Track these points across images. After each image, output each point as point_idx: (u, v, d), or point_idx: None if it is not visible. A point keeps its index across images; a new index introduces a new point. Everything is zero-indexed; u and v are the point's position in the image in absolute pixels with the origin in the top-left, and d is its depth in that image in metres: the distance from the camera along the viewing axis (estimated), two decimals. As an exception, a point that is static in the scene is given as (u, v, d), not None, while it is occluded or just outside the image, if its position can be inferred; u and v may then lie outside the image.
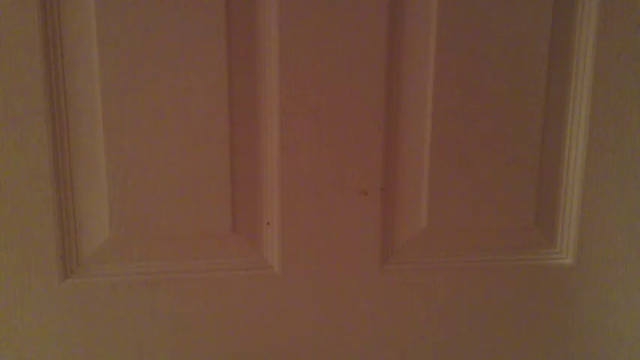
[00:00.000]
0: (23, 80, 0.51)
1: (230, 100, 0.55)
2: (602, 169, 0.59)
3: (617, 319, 0.63)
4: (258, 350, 0.61)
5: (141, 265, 0.58)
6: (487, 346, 0.64)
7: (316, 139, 0.56)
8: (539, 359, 0.64)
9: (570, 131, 0.59)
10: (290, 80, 0.54)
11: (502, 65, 0.56)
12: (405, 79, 0.56)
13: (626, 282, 0.62)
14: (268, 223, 0.58)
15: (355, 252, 0.59)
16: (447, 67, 0.56)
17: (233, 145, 0.56)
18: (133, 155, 0.55)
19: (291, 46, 0.54)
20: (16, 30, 0.50)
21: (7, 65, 0.51)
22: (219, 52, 0.53)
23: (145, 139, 0.54)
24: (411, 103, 0.57)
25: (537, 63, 0.57)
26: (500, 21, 0.55)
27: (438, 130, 0.57)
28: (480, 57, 0.56)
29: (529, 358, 0.64)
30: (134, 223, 0.56)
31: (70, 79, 0.53)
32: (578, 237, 0.61)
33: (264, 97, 0.55)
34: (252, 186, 0.58)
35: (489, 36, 0.56)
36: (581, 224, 0.60)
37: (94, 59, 0.52)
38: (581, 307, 0.63)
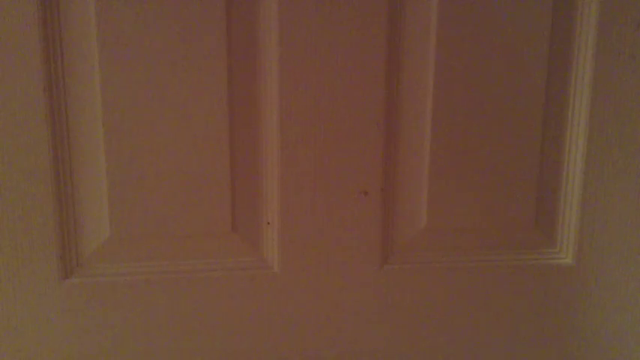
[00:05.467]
0: (23, 80, 0.51)
1: (230, 100, 0.55)
2: (602, 169, 0.59)
3: (617, 319, 0.63)
4: (257, 350, 0.61)
5: (141, 265, 0.58)
6: (487, 345, 0.64)
7: (316, 139, 0.56)
8: (539, 359, 0.64)
9: (570, 131, 0.59)
10: (290, 80, 0.54)
11: (502, 65, 0.56)
12: (405, 79, 0.56)
13: (626, 282, 0.62)
14: (268, 223, 0.58)
15: (355, 252, 0.59)
16: (447, 67, 0.56)
17: (233, 145, 0.56)
18: (133, 155, 0.55)
19: (291, 46, 0.54)
20: (16, 30, 0.50)
21: (7, 65, 0.51)
22: (219, 52, 0.53)
23: (145, 139, 0.54)
24: (411, 103, 0.57)
25: (537, 63, 0.57)
26: (500, 21, 0.55)
27: (438, 130, 0.57)
28: (480, 57, 0.56)
29: (528, 358, 0.64)
30: (134, 223, 0.56)
31: (70, 79, 0.53)
32: (578, 237, 0.61)
33: (264, 97, 0.55)
34: (252, 186, 0.58)
35: (489, 36, 0.56)
36: (581, 224, 0.60)
37: (94, 59, 0.52)
38: (581, 307, 0.63)
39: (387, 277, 0.61)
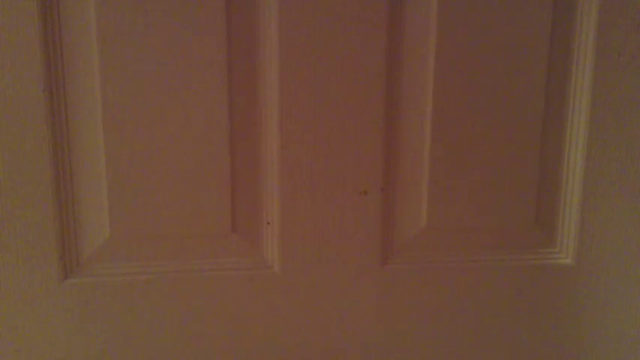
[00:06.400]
0: (23, 80, 0.51)
1: (230, 100, 0.55)
2: (602, 169, 0.59)
3: (617, 319, 0.63)
4: (258, 350, 0.61)
5: (141, 265, 0.58)
6: (487, 345, 0.64)
7: (316, 139, 0.56)
8: (539, 359, 0.64)
9: (570, 131, 0.59)
10: (290, 80, 0.54)
11: (502, 65, 0.56)
12: (405, 79, 0.56)
13: (626, 282, 0.62)
14: (268, 223, 0.58)
15: (355, 252, 0.59)
16: (447, 67, 0.56)
17: (233, 145, 0.56)
18: (133, 155, 0.55)
19: (291, 46, 0.54)
20: (16, 30, 0.50)
21: (7, 65, 0.51)
22: (219, 52, 0.53)
23: (144, 139, 0.54)
24: (411, 103, 0.57)
25: (537, 63, 0.57)
26: (500, 21, 0.55)
27: (438, 130, 0.57)
28: (480, 57, 0.56)
29: (529, 358, 0.64)
30: (134, 223, 0.56)
31: (70, 79, 0.53)
32: (578, 237, 0.61)
33: (264, 97, 0.55)
34: (252, 186, 0.58)
35: (489, 36, 0.56)
36: (581, 224, 0.60)
37: (94, 59, 0.52)
38: (581, 307, 0.63)
39: (387, 277, 0.61)
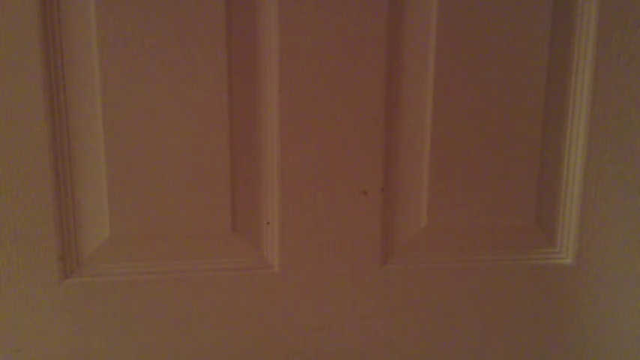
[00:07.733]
0: (23, 80, 0.51)
1: (230, 100, 0.55)
2: (602, 169, 0.59)
3: (617, 319, 0.63)
4: (258, 350, 0.61)
5: (141, 264, 0.58)
6: (487, 345, 0.64)
7: (316, 139, 0.56)
8: (539, 359, 0.64)
9: (570, 131, 0.59)
10: (290, 80, 0.54)
11: (502, 65, 0.56)
12: (405, 79, 0.56)
13: (626, 282, 0.62)
14: (268, 223, 0.58)
15: (355, 252, 0.59)
16: (447, 67, 0.56)
17: (233, 145, 0.56)
18: (133, 155, 0.55)
19: (291, 46, 0.54)
20: (16, 30, 0.50)
21: (7, 65, 0.51)
22: (219, 52, 0.53)
23: (144, 138, 0.54)
24: (411, 103, 0.57)
25: (537, 63, 0.57)
26: (500, 21, 0.55)
27: (438, 130, 0.57)
28: (480, 57, 0.56)
29: (528, 358, 0.64)
30: (134, 223, 0.56)
31: (70, 79, 0.53)
32: (578, 237, 0.61)
33: (264, 97, 0.55)
34: (252, 186, 0.58)
35: (489, 36, 0.56)
36: (581, 224, 0.60)
37: (94, 59, 0.52)
38: (581, 307, 0.63)
39: (387, 277, 0.61)
